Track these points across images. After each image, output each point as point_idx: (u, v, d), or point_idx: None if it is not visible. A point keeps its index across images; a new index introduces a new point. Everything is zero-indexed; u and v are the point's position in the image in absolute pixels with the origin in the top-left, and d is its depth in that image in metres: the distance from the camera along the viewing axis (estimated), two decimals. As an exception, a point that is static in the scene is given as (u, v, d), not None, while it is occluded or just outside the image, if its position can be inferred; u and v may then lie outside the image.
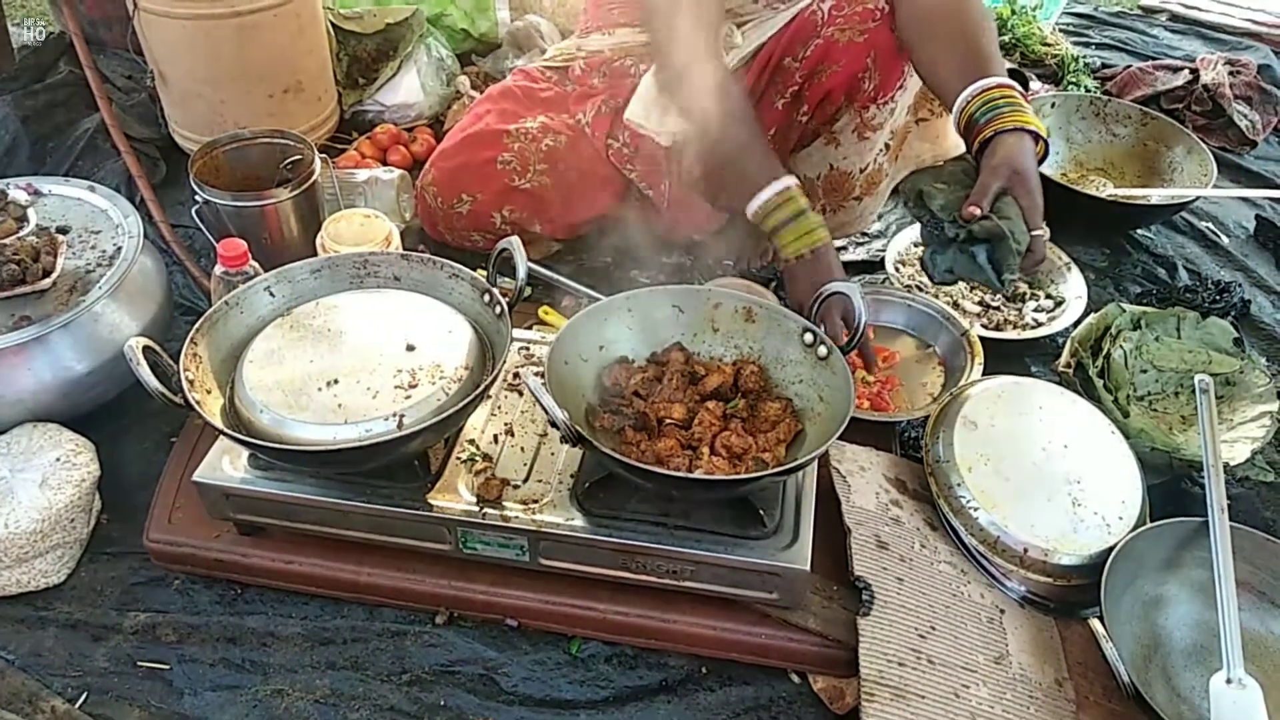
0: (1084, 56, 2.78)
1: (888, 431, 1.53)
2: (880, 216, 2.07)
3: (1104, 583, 1.23)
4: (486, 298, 1.33)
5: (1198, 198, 2.07)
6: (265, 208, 1.73)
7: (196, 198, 1.73)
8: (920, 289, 1.87)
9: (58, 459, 1.37)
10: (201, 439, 1.43)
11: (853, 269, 2.00)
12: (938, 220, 1.29)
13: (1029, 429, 1.40)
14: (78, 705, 1.24)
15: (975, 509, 1.31)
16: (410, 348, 1.26)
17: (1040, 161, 1.31)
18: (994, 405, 1.42)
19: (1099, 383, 1.56)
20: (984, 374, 1.56)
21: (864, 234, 2.07)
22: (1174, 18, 3.19)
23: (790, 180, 1.43)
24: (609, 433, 1.25)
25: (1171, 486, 1.51)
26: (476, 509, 1.24)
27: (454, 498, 1.26)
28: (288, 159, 1.82)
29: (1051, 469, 1.35)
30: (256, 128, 1.87)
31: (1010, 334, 1.79)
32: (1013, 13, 2.78)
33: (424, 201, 1.87)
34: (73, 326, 1.40)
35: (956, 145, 1.69)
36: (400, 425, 1.16)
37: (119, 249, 1.50)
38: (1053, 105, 2.29)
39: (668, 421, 1.25)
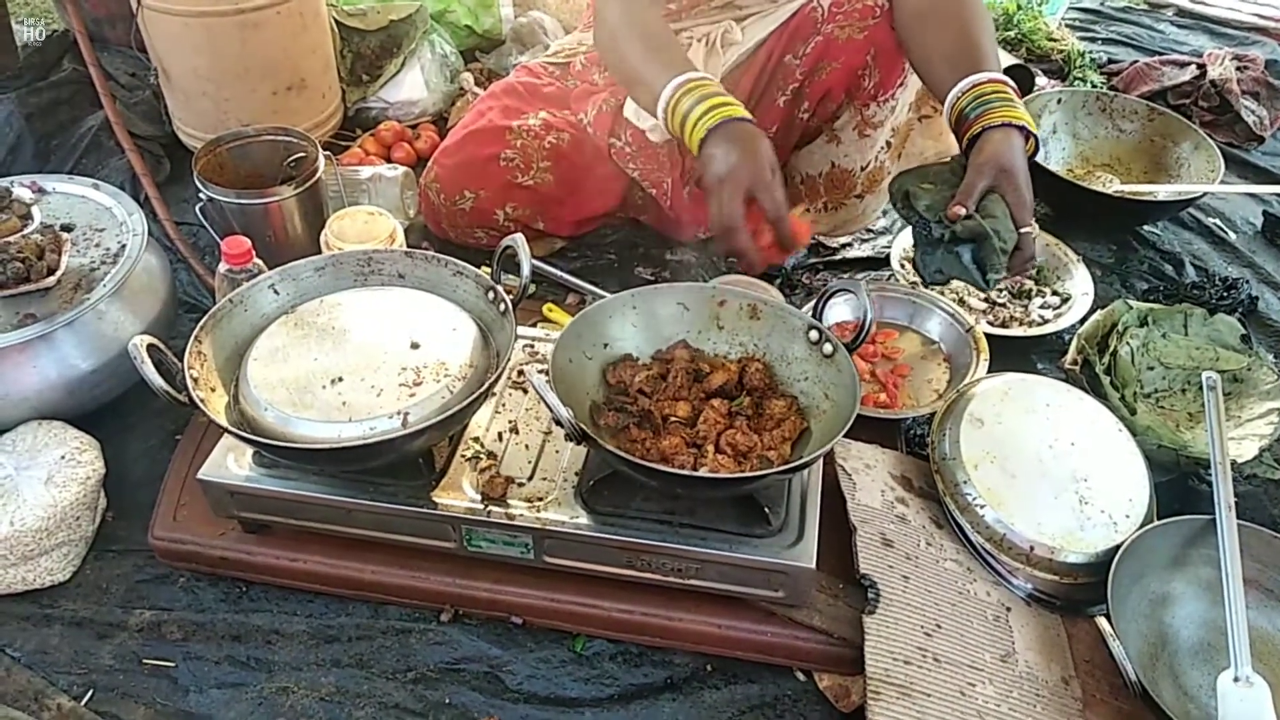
0: (1090, 52, 2.77)
1: (893, 429, 1.53)
2: (885, 213, 2.06)
3: (1111, 580, 1.23)
4: (491, 295, 1.32)
5: (1205, 194, 2.06)
6: (269, 205, 1.72)
7: (200, 195, 1.73)
8: (925, 285, 1.86)
9: (63, 457, 1.37)
10: (206, 437, 1.43)
11: (857, 266, 1.99)
12: (925, 220, 1.28)
13: (1035, 426, 1.39)
14: (83, 703, 1.24)
15: (981, 506, 1.31)
16: (415, 345, 1.25)
17: (1031, 157, 1.29)
18: (1000, 402, 1.42)
19: (1105, 380, 1.56)
20: (990, 371, 1.56)
21: (869, 230, 2.06)
22: (1181, 12, 3.17)
23: (697, 74, 1.35)
24: (613, 430, 1.25)
25: (1178, 484, 1.50)
26: (481, 507, 1.24)
27: (458, 495, 1.26)
28: (291, 156, 1.82)
29: (1058, 466, 1.34)
30: (260, 125, 1.87)
31: (1016, 331, 1.79)
32: (1019, 8, 2.77)
33: (427, 199, 1.87)
34: (77, 324, 1.40)
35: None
36: (405, 423, 1.16)
37: (123, 247, 1.50)
38: (1059, 101, 2.28)
39: (672, 419, 1.24)
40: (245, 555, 1.34)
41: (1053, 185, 2.10)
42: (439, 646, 1.30)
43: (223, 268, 1.43)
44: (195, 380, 1.18)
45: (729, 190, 1.26)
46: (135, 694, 1.26)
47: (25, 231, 1.43)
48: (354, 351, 1.25)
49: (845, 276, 1.94)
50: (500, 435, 1.34)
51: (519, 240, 1.32)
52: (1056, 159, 2.27)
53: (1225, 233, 2.17)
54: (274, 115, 2.06)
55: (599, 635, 1.32)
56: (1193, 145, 2.17)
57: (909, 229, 1.95)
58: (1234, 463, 1.39)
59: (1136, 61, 2.69)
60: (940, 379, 1.64)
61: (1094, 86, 2.58)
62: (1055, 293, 1.89)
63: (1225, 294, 1.89)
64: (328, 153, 1.83)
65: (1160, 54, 2.79)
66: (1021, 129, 1.28)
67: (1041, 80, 2.57)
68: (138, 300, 1.49)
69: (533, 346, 1.49)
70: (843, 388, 1.22)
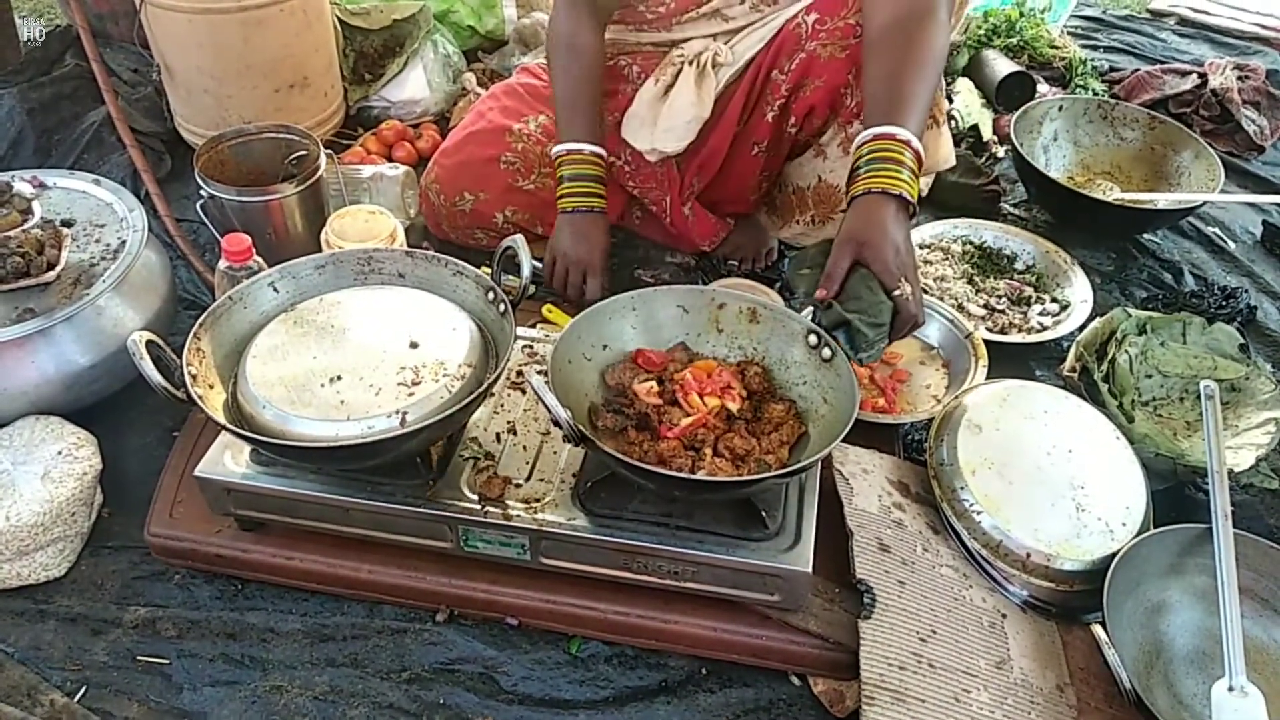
0: (1092, 60, 2.78)
1: (891, 434, 1.53)
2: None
3: (1106, 588, 1.23)
4: (490, 295, 1.32)
5: (1205, 203, 2.07)
6: (270, 203, 1.72)
7: (201, 192, 1.73)
8: (924, 290, 1.86)
9: (60, 452, 1.37)
10: (203, 434, 1.43)
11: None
12: (806, 304, 1.28)
13: (1033, 433, 1.39)
14: (77, 699, 1.24)
15: (978, 513, 1.31)
16: (414, 345, 1.25)
17: (912, 218, 1.25)
18: (998, 409, 1.42)
19: (1104, 387, 1.56)
20: (988, 377, 1.56)
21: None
22: (1183, 21, 3.18)
23: (586, 148, 1.60)
24: (611, 432, 1.25)
25: (1175, 492, 1.51)
26: (478, 507, 1.24)
27: (456, 495, 1.25)
28: (293, 154, 1.82)
29: (1055, 473, 1.35)
30: (262, 123, 1.87)
31: (1015, 337, 1.79)
32: (1021, 15, 2.77)
33: (427, 199, 1.87)
34: (76, 320, 1.40)
35: (947, 159, 1.68)
36: (403, 422, 1.16)
37: (123, 243, 1.50)
38: (1060, 108, 2.28)
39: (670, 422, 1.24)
40: (241, 553, 1.34)
41: (1053, 192, 2.10)
42: (434, 647, 1.30)
43: (223, 265, 1.43)
44: (194, 377, 1.18)
45: (562, 266, 1.65)
46: (129, 691, 1.25)
47: (25, 226, 1.43)
48: (353, 350, 1.25)
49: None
50: (498, 436, 1.34)
51: (519, 241, 1.32)
52: (1057, 166, 2.27)
53: (1224, 242, 2.17)
54: (276, 113, 2.06)
55: (594, 637, 1.31)
56: (1193, 154, 2.18)
57: None
58: (1231, 472, 1.39)
59: (1138, 70, 2.70)
60: (938, 385, 1.64)
61: (1095, 94, 2.59)
62: (1054, 299, 1.89)
63: (1224, 303, 1.89)
64: (329, 151, 1.83)
65: (1162, 63, 2.79)
66: (898, 195, 1.23)
67: (1043, 88, 2.58)
68: (137, 296, 1.49)
69: (532, 347, 1.49)
70: (841, 392, 1.22)
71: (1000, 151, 2.40)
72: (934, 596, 1.26)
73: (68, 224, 1.50)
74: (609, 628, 1.30)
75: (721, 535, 1.21)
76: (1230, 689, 1.16)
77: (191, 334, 1.21)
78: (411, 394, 1.19)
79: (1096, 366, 1.60)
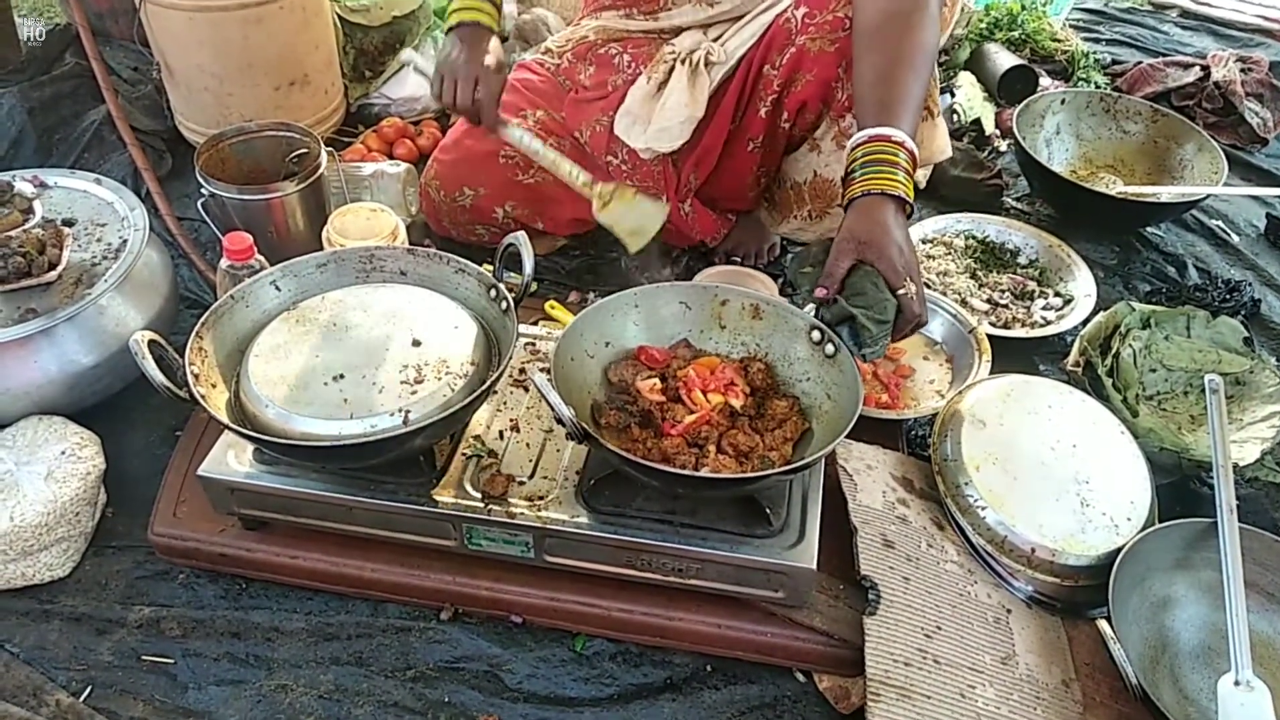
0: (1094, 52, 2.77)
1: (895, 429, 1.53)
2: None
3: (1112, 583, 1.23)
4: (493, 293, 1.32)
5: (1208, 195, 2.06)
6: (271, 201, 1.72)
7: (202, 190, 1.73)
8: (927, 285, 1.86)
9: (63, 452, 1.37)
10: (206, 433, 1.43)
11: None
12: (810, 302, 1.28)
13: (1037, 428, 1.39)
14: (82, 699, 1.24)
15: (983, 508, 1.30)
16: (416, 343, 1.25)
17: (908, 218, 1.25)
18: (1002, 404, 1.42)
19: (1108, 382, 1.55)
20: (992, 372, 1.55)
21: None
22: (1185, 14, 3.17)
23: None
24: (615, 430, 1.25)
25: (1180, 487, 1.50)
26: (481, 505, 1.24)
27: (459, 494, 1.25)
28: (294, 152, 1.82)
29: (1060, 468, 1.34)
30: (262, 120, 1.87)
31: (1019, 332, 1.78)
32: (1023, 8, 2.76)
33: (428, 196, 1.86)
34: (78, 319, 1.39)
35: (943, 149, 1.67)
36: (406, 421, 1.16)
37: (125, 242, 1.50)
38: (1063, 101, 2.28)
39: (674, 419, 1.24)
40: (245, 552, 1.34)
41: (1056, 186, 2.09)
42: (439, 645, 1.30)
43: (224, 263, 1.43)
44: (196, 376, 1.18)
45: (450, 79, 1.53)
46: (134, 690, 1.25)
47: (27, 226, 1.43)
48: (355, 348, 1.25)
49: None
50: (501, 433, 1.34)
51: (521, 238, 1.31)
52: (1060, 160, 2.26)
53: (1228, 235, 2.16)
54: (276, 111, 2.06)
55: (599, 635, 1.31)
56: (1196, 147, 2.17)
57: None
58: (1236, 466, 1.39)
59: (1140, 63, 2.69)
60: (942, 380, 1.64)
61: (1098, 87, 2.58)
62: (1058, 294, 1.88)
63: (1228, 296, 1.89)
64: (330, 149, 1.83)
65: (1164, 55, 2.78)
66: (897, 197, 1.23)
67: (1045, 81, 2.57)
68: (139, 295, 1.49)
69: (534, 344, 1.49)
70: (845, 388, 1.22)
71: (1003, 145, 2.39)
72: (939, 592, 1.26)
73: (69, 223, 1.50)
74: (613, 625, 1.30)
75: (725, 532, 1.21)
76: (1236, 683, 1.16)
77: (194, 333, 1.21)
78: (414, 392, 1.19)
79: (1100, 361, 1.59)
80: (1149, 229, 2.15)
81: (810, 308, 1.28)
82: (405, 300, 1.32)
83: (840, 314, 1.22)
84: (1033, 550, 1.28)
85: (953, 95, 2.47)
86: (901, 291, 1.18)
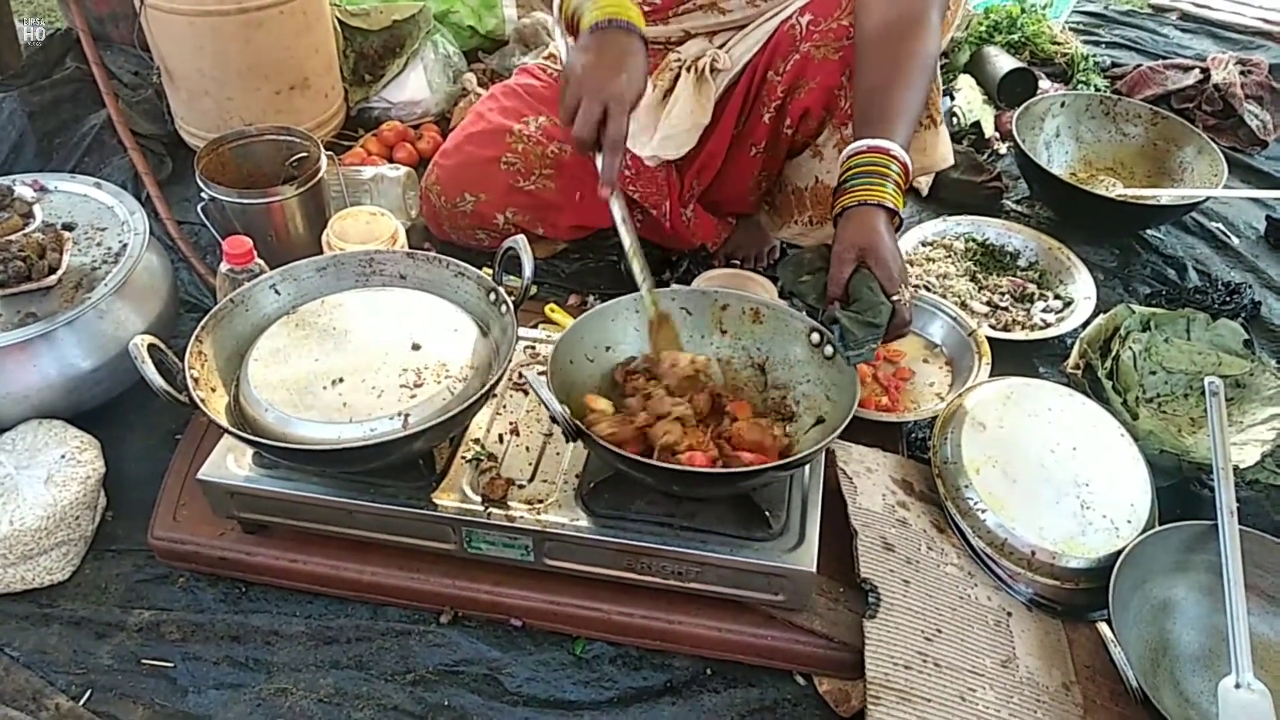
0: (1094, 55, 2.77)
1: (895, 432, 1.53)
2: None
3: (1112, 586, 1.22)
4: (492, 296, 1.32)
5: (1208, 198, 2.06)
6: (271, 205, 1.72)
7: (202, 194, 1.73)
8: (927, 288, 1.86)
9: (63, 456, 1.37)
10: (206, 437, 1.43)
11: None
12: (815, 310, 1.29)
13: (1037, 431, 1.39)
14: (81, 703, 1.24)
15: (983, 511, 1.30)
16: (416, 346, 1.25)
17: (897, 229, 1.26)
18: (1002, 406, 1.41)
19: (1108, 384, 1.55)
20: (992, 375, 1.55)
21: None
22: (1185, 16, 3.17)
23: None
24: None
25: (1180, 489, 1.50)
26: (481, 509, 1.24)
27: (459, 497, 1.25)
28: (294, 156, 1.82)
29: (1060, 471, 1.34)
30: (263, 124, 1.87)
31: (1018, 334, 1.78)
32: (1022, 11, 2.76)
33: (428, 200, 1.86)
34: (78, 323, 1.39)
35: (945, 158, 1.68)
36: (405, 424, 1.16)
37: (125, 246, 1.50)
38: (1062, 104, 2.28)
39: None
40: (245, 556, 1.34)
41: (1056, 189, 2.09)
42: (438, 648, 1.30)
43: (224, 267, 1.43)
44: (196, 380, 1.18)
45: (575, 93, 1.24)
46: (134, 694, 1.25)
47: (27, 230, 1.43)
48: (355, 352, 1.25)
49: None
50: (501, 437, 1.34)
51: (521, 242, 1.31)
52: (1059, 163, 2.26)
53: (1228, 237, 2.16)
54: (276, 115, 2.06)
55: (599, 638, 1.31)
56: (1196, 149, 2.17)
57: (906, 235, 1.96)
58: (1236, 468, 1.39)
59: (1140, 65, 2.69)
60: (942, 382, 1.64)
61: (1097, 90, 2.58)
62: (1058, 296, 1.88)
63: (1228, 299, 1.89)
64: (330, 153, 1.83)
65: (1164, 58, 2.78)
66: (886, 206, 1.23)
67: (1045, 84, 2.57)
68: (139, 299, 1.49)
69: (534, 348, 1.49)
70: (843, 389, 1.22)
71: (1002, 148, 2.39)
72: (939, 595, 1.26)
73: (69, 227, 1.50)
74: (613, 628, 1.30)
75: (725, 535, 1.21)
76: (1237, 686, 1.16)
77: (193, 337, 1.21)
78: (414, 396, 1.19)
79: (1100, 363, 1.59)
80: (1149, 231, 2.15)
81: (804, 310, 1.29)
82: (405, 304, 1.32)
83: (828, 317, 1.23)
84: (1033, 553, 1.28)
85: (952, 98, 2.47)
86: (896, 297, 1.19)
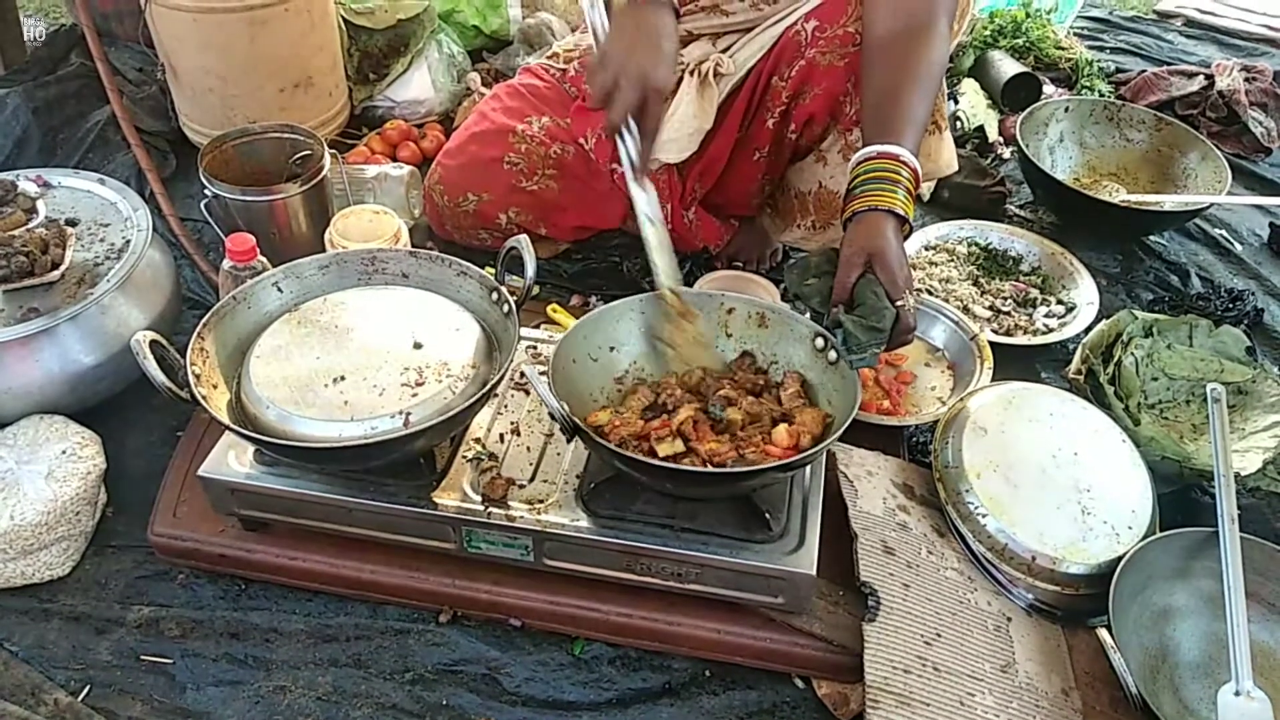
0: (1098, 61, 2.77)
1: (896, 436, 1.52)
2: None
3: (1112, 592, 1.22)
4: (494, 296, 1.32)
5: (1211, 205, 2.06)
6: (274, 202, 1.72)
7: (206, 191, 1.73)
8: (930, 292, 1.86)
9: (64, 451, 1.37)
10: (207, 434, 1.43)
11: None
12: (820, 314, 1.29)
13: (1039, 436, 1.39)
14: (80, 698, 1.24)
15: (983, 515, 1.30)
16: (417, 345, 1.25)
17: (906, 237, 1.26)
18: (1004, 411, 1.41)
19: (1110, 390, 1.55)
20: (994, 379, 1.55)
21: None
22: (1190, 23, 3.17)
23: None
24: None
25: (1181, 496, 1.50)
26: (481, 508, 1.24)
27: (459, 496, 1.25)
28: (297, 154, 1.82)
29: (1061, 476, 1.34)
30: (267, 122, 1.87)
31: (1021, 339, 1.78)
32: (1027, 16, 2.76)
33: (431, 200, 1.87)
34: (80, 319, 1.40)
35: (949, 164, 1.68)
36: (406, 423, 1.16)
37: (128, 242, 1.50)
38: (1066, 109, 2.28)
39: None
40: (244, 553, 1.34)
41: (1059, 194, 2.09)
42: (437, 648, 1.30)
43: (227, 264, 1.43)
44: (197, 377, 1.18)
45: (612, 75, 1.23)
46: (132, 690, 1.25)
47: (30, 225, 1.43)
48: (356, 351, 1.25)
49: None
50: (502, 436, 1.34)
51: (523, 241, 1.31)
52: (1063, 168, 2.26)
53: (1231, 244, 2.16)
54: (280, 112, 2.06)
55: (598, 639, 1.31)
56: (1200, 156, 2.17)
57: (908, 241, 1.96)
58: (1237, 475, 1.39)
59: (1144, 71, 2.69)
60: (944, 386, 1.64)
61: (1101, 96, 2.58)
62: (1060, 302, 1.88)
63: (1231, 305, 1.89)
64: (333, 151, 1.83)
65: (1168, 64, 2.78)
66: (898, 214, 1.24)
67: (1049, 89, 2.57)
68: (141, 296, 1.49)
69: (536, 348, 1.49)
70: (844, 393, 1.22)
71: (1006, 153, 2.39)
72: (939, 599, 1.26)
73: (72, 223, 1.50)
74: (612, 629, 1.29)
75: (725, 537, 1.21)
76: (1237, 694, 1.16)
77: (195, 334, 1.21)
78: (415, 394, 1.19)
79: (1102, 369, 1.59)
80: (1152, 238, 2.15)
81: (809, 314, 1.29)
82: (407, 303, 1.32)
83: (832, 321, 1.23)
84: (1033, 558, 1.28)
85: (956, 102, 2.47)
86: (900, 303, 1.19)
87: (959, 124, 2.41)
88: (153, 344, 1.15)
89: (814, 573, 1.19)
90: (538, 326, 1.59)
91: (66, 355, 1.40)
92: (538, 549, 1.25)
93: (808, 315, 1.30)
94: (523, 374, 1.42)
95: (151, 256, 1.52)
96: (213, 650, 1.29)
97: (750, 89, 1.63)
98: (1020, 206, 2.23)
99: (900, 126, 1.28)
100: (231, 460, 1.28)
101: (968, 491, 1.32)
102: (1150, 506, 1.33)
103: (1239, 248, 2.16)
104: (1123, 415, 1.50)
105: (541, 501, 1.25)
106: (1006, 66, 2.56)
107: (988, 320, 1.83)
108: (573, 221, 1.85)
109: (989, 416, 1.40)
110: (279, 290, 1.33)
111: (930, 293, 1.85)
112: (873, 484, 1.37)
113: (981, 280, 1.93)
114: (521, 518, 1.23)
